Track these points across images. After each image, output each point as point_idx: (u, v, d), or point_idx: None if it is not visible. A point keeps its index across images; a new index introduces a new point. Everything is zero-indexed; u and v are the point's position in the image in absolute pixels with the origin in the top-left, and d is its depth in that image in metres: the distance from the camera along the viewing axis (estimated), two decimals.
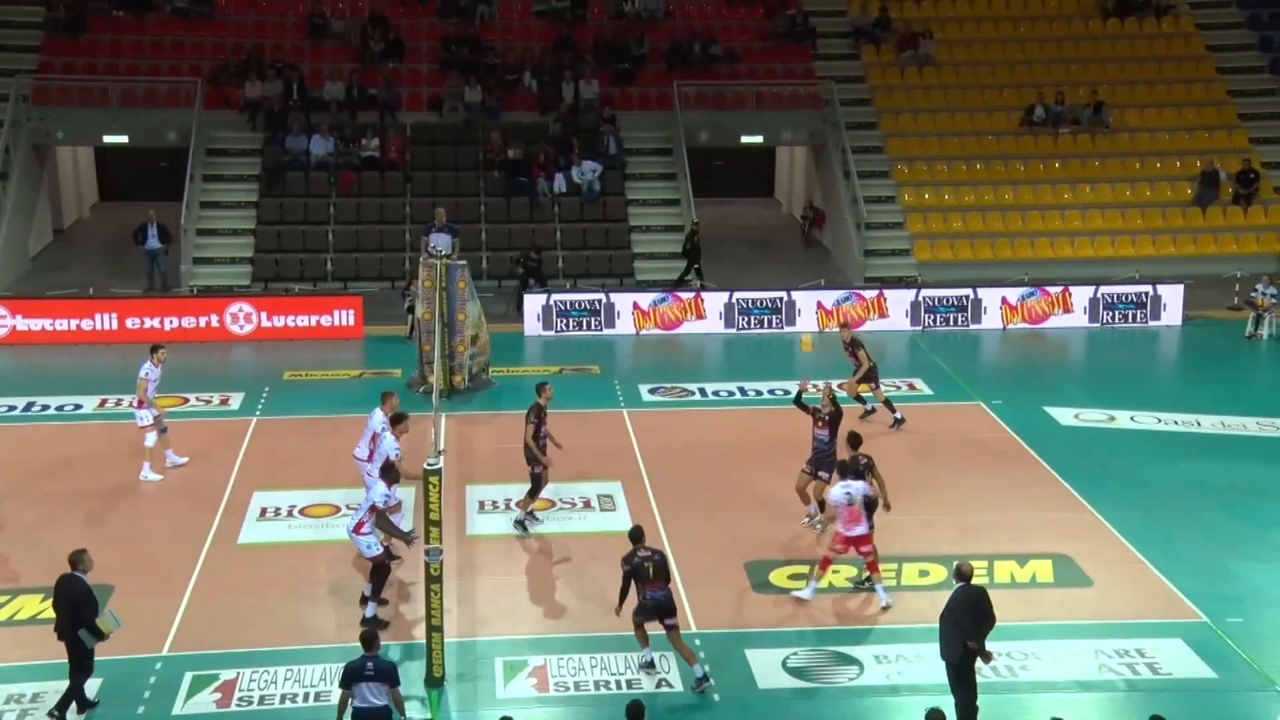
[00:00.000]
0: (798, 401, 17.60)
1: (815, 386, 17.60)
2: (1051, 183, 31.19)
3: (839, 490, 15.12)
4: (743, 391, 22.58)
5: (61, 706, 12.71)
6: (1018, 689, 13.55)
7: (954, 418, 21.34)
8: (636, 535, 13.98)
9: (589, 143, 30.77)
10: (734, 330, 26.25)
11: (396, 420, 16.18)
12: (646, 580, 13.56)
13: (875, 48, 33.74)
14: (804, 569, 16.01)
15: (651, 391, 22.53)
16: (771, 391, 22.42)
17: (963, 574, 12.81)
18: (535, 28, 33.54)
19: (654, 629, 13.67)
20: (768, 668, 13.93)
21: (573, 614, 14.99)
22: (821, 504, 16.51)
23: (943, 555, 16.36)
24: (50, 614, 14.27)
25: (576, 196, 30.09)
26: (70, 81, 30.16)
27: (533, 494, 17.05)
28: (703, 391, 22.52)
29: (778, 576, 15.87)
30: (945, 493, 18.23)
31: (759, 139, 32.86)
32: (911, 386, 23.08)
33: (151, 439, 18.35)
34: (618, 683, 13.62)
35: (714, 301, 26.45)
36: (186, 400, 21.41)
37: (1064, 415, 21.43)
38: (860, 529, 15.02)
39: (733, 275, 29.32)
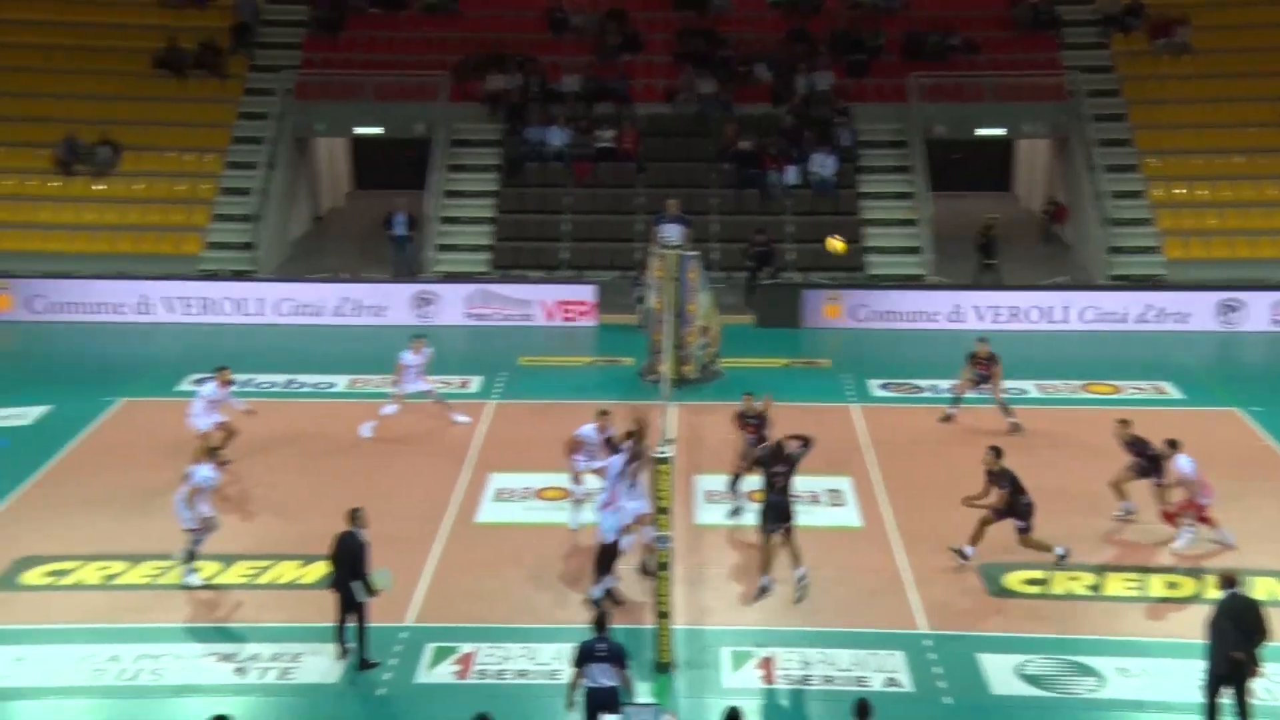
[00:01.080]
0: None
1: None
2: None
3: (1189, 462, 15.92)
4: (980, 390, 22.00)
5: (361, 651, 13.53)
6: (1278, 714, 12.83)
7: (1206, 424, 20.30)
8: (777, 449, 15.12)
9: (822, 135, 30.52)
10: (962, 326, 25.64)
11: (628, 436, 16.33)
12: (775, 491, 14.75)
13: (1125, 35, 32.31)
14: (1040, 573, 15.56)
15: (882, 387, 22.23)
16: (1005, 391, 21.79)
17: (1228, 581, 12.23)
18: (770, 19, 33.44)
19: None
20: (1002, 673, 13.60)
21: (799, 607, 14.93)
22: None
23: (1192, 567, 15.65)
24: (308, 579, 15.23)
25: (807, 189, 29.90)
26: (329, 77, 31.75)
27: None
28: (935, 389, 22.08)
29: (1013, 580, 15.46)
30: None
31: (998, 132, 31.92)
32: (1159, 390, 22.07)
33: (390, 409, 19.73)
34: (844, 678, 13.53)
35: (945, 299, 25.93)
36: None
37: None
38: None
39: (966, 272, 28.59)
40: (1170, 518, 16.27)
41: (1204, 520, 16.20)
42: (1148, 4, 32.58)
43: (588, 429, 16.73)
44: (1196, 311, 25.59)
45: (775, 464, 14.98)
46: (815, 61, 31.73)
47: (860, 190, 30.22)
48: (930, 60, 31.52)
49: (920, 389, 22.16)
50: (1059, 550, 15.69)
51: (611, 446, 15.49)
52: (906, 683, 13.49)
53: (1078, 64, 31.37)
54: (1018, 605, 15.04)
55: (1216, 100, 30.74)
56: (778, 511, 14.84)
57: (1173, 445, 16.27)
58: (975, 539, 15.68)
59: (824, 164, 29.83)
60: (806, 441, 15.38)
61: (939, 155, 32.02)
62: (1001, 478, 15.68)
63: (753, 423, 17.42)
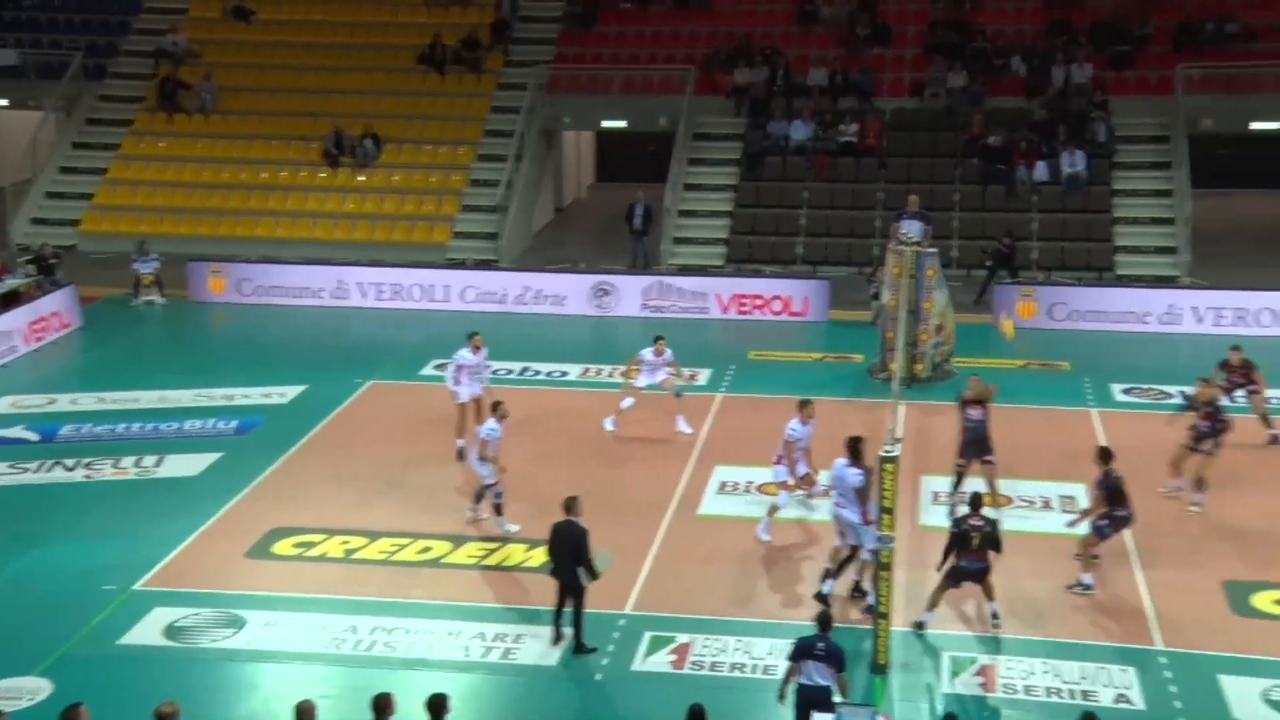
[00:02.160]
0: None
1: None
2: None
3: None
4: (1230, 399, 20.73)
5: (577, 636, 13.93)
6: None
7: None
8: (975, 502, 14.20)
9: (1076, 129, 29.32)
10: (1220, 330, 24.21)
11: (802, 406, 16.41)
12: (967, 549, 13.87)
13: None
14: None
15: (1125, 392, 21.22)
16: (1268, 400, 20.47)
17: None
18: (1029, 10, 32.37)
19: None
20: (1245, 698, 12.85)
21: (1024, 615, 14.46)
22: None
23: None
24: (533, 562, 15.68)
25: (1056, 185, 28.80)
26: (580, 70, 32.53)
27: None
28: (1183, 395, 20.89)
29: (1262, 600, 14.55)
30: None
31: (1275, 125, 29.96)
32: None
33: (627, 402, 19.90)
34: (1070, 692, 13.03)
35: (1200, 300, 24.60)
36: (695, 376, 22.25)
37: None
38: None
39: (1228, 273, 26.98)
40: None
41: None
42: None
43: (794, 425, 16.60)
44: None
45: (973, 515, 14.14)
46: (1074, 53, 30.52)
47: (1114, 187, 28.90)
48: (1203, 49, 29.83)
49: (1168, 394, 21.04)
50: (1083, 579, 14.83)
51: (856, 458, 15.07)
52: (1138, 700, 12.88)
53: None
54: (1266, 626, 14.12)
55: None
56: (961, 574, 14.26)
57: None
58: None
59: (1074, 159, 28.66)
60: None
61: (1204, 151, 30.32)
62: (1102, 482, 14.94)
63: (976, 403, 16.89)
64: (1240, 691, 12.95)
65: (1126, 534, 15.73)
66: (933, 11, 32.58)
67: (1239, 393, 19.25)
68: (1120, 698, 12.92)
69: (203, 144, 32.45)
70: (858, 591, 14.88)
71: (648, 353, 19.93)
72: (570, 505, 14.06)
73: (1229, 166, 33.23)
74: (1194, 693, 12.93)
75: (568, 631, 14.03)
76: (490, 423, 16.53)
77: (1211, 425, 17.02)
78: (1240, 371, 19.19)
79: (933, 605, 14.18)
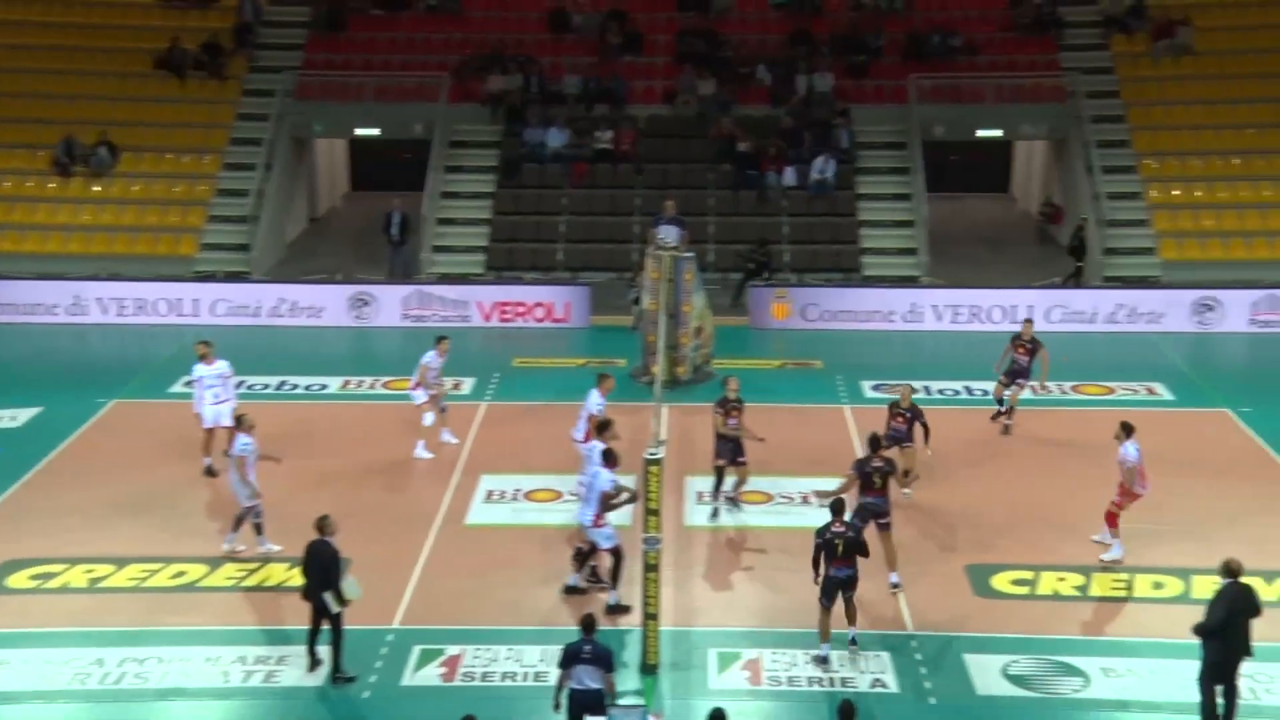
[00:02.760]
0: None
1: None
2: None
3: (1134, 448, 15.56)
4: (969, 391, 22.02)
5: (336, 661, 13.49)
6: (1262, 713, 12.82)
7: (1198, 425, 20.29)
8: (836, 508, 13.96)
9: (821, 136, 30.52)
10: (957, 327, 25.61)
11: (602, 429, 16.33)
12: (835, 557, 13.66)
13: (1127, 37, 32.28)
14: (1028, 574, 15.56)
15: (875, 388, 22.24)
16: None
17: (1230, 571, 12.27)
18: (772, 20, 33.45)
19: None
20: (987, 674, 13.60)
21: (788, 609, 14.93)
22: None
23: (1179, 568, 15.64)
24: (294, 581, 15.22)
25: (805, 190, 29.90)
26: (330, 77, 31.79)
27: (725, 486, 17.49)
28: (927, 390, 22.06)
29: (1000, 581, 15.46)
30: (1186, 504, 17.34)
31: (997, 133, 31.91)
32: (1151, 391, 22.05)
33: (429, 418, 19.29)
34: (831, 680, 13.53)
35: (939, 298, 25.94)
36: (459, 385, 22.13)
37: None
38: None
39: (962, 272, 28.61)
40: (1113, 519, 15.95)
41: (1111, 519, 15.91)
42: (1150, 5, 32.54)
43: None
44: (1172, 312, 25.51)
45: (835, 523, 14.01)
46: (816, 63, 31.74)
47: (858, 191, 30.21)
48: (931, 61, 31.52)
49: (914, 390, 22.04)
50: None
51: (610, 460, 15.33)
52: (892, 684, 13.49)
53: (1077, 65, 31.36)
54: (1004, 606, 15.03)
55: (1216, 102, 30.71)
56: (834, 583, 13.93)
57: (1128, 430, 15.84)
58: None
59: (824, 166, 29.83)
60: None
61: (937, 156, 32.04)
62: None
63: (736, 407, 17.37)
64: (983, 668, 13.70)
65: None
66: (681, 21, 33.30)
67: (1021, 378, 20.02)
68: (876, 682, 13.51)
69: None
70: (593, 578, 15.21)
71: (432, 356, 19.47)
72: (322, 525, 13.59)
73: (959, 171, 35.20)
74: (942, 672, 13.63)
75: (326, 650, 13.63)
76: (241, 438, 15.84)
77: (908, 429, 17.59)
78: (1028, 346, 20.10)
79: (825, 635, 13.81)
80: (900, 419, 17.59)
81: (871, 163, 30.81)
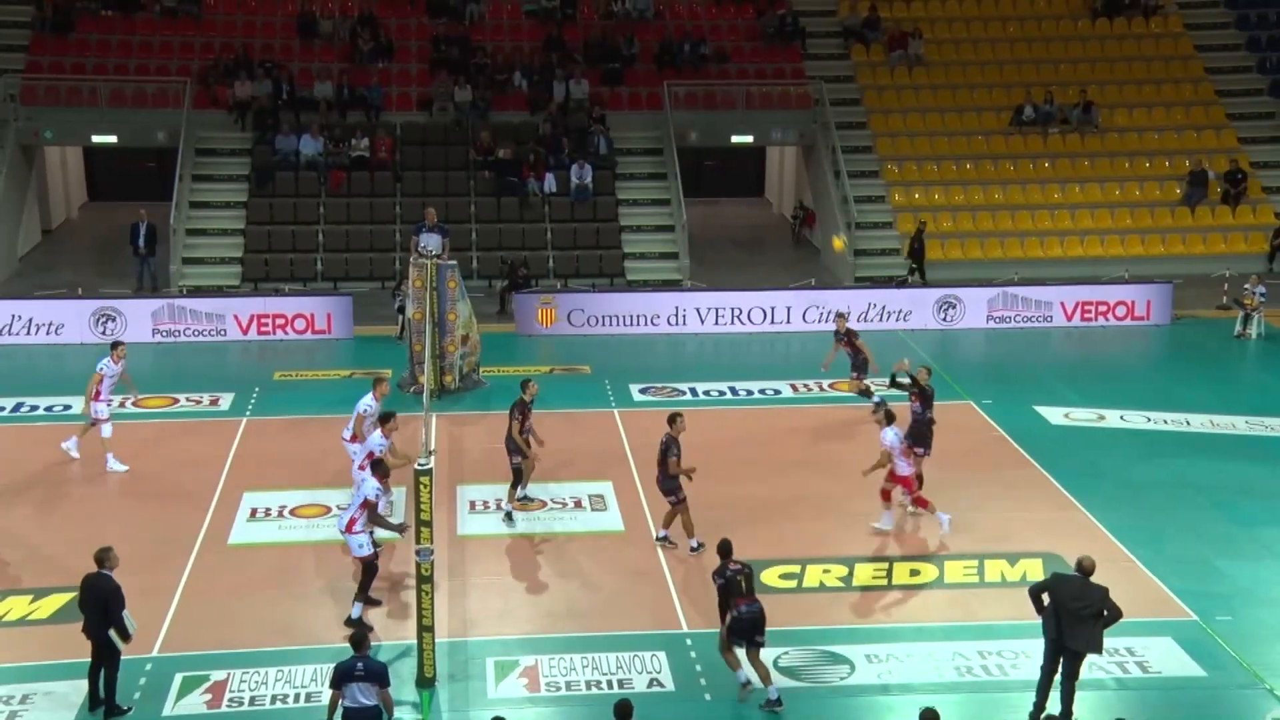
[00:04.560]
0: (893, 382, 18.83)
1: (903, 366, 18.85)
2: (1041, 182, 31.29)
3: (893, 434, 16.63)
4: (734, 391, 22.59)
5: (110, 699, 12.75)
6: (1009, 688, 13.57)
7: (944, 417, 21.24)
8: (725, 549, 13.43)
9: (579, 143, 30.76)
10: (720, 329, 26.26)
11: (384, 420, 16.21)
12: (740, 594, 13.17)
13: (865, 47, 33.79)
14: (794, 568, 16.05)
15: (642, 391, 22.54)
16: (762, 391, 22.47)
17: (1084, 568, 12.73)
18: (525, 27, 33.54)
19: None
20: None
21: (564, 614, 14.98)
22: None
23: (933, 554, 16.44)
24: (38, 615, 14.37)
25: (566, 196, 30.09)
26: (58, 81, 30.07)
27: (515, 485, 17.27)
28: (694, 391, 22.52)
29: (768, 576, 15.86)
30: (936, 492, 18.21)
31: (749, 139, 32.90)
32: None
33: (108, 430, 18.53)
34: (609, 682, 13.61)
35: (701, 301, 26.58)
36: (176, 400, 21.38)
37: (1054, 414, 21.49)
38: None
39: (722, 275, 29.36)
40: (886, 495, 16.95)
41: (919, 503, 16.93)
42: (884, 18, 34.16)
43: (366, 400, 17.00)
44: (919, 310, 26.87)
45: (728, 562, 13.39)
46: (571, 70, 31.97)
47: (618, 197, 30.59)
48: (683, 69, 32.21)
49: (681, 392, 22.55)
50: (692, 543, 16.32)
51: (378, 469, 15.07)
52: (669, 682, 13.66)
53: (821, 74, 32.63)
54: (775, 599, 15.38)
55: (947, 110, 32.51)
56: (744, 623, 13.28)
57: (890, 418, 16.83)
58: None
59: (582, 172, 30.07)
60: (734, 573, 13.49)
61: (693, 162, 32.79)
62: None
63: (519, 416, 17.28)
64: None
65: (651, 524, 16.70)
66: (434, 27, 33.01)
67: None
68: (653, 681, 13.65)
69: None
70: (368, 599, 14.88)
71: (107, 362, 18.65)
72: (102, 558, 12.86)
73: (716, 176, 36.11)
74: (717, 669, 13.80)
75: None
76: None
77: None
78: (844, 340, 21.19)
79: (736, 666, 13.34)
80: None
81: (630, 168, 31.28)
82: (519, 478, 17.32)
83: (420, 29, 33.05)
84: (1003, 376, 24.08)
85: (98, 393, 18.49)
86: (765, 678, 13.23)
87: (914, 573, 16.07)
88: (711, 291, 27.32)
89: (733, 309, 26.41)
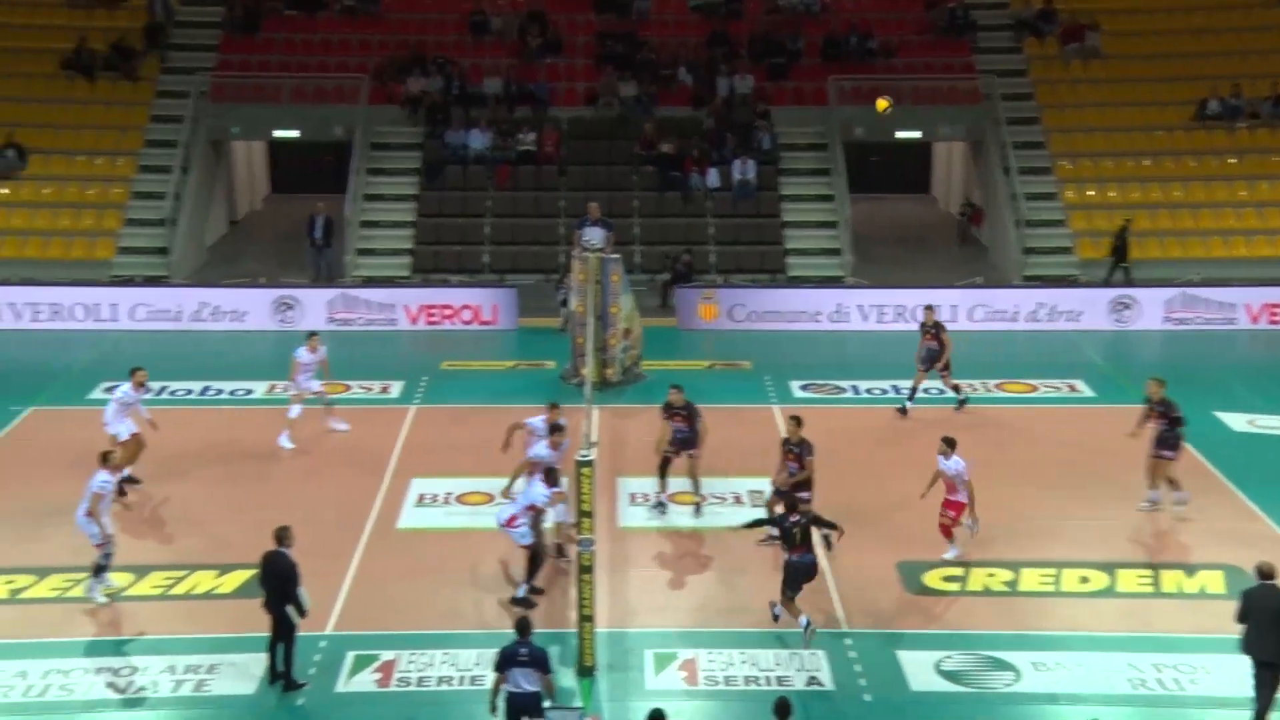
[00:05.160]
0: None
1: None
2: (1227, 179, 30.01)
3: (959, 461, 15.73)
4: (896, 389, 22.27)
5: (288, 673, 13.28)
6: (1185, 703, 13.13)
7: (1117, 421, 20.65)
8: (790, 504, 14.41)
9: (743, 138, 30.70)
10: (882, 327, 25.90)
11: (554, 430, 16.40)
12: (794, 545, 14.07)
13: (1039, 40, 32.91)
14: (958, 570, 15.79)
15: (803, 388, 22.40)
16: (925, 390, 22.12)
17: (1265, 574, 12.31)
18: (691, 22, 33.59)
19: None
20: (920, 670, 13.75)
21: (723, 609, 15.01)
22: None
23: (1104, 562, 15.97)
24: (223, 590, 15.04)
25: (729, 192, 30.07)
26: (245, 79, 31.30)
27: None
28: (855, 389, 22.29)
29: (932, 578, 15.65)
30: (1109, 499, 17.70)
31: (915, 134, 32.37)
32: (1072, 388, 22.49)
33: (296, 411, 19.45)
34: (767, 679, 13.60)
35: (864, 298, 26.25)
36: (349, 387, 22.03)
37: (1237, 420, 20.65)
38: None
39: (885, 272, 28.97)
40: (947, 531, 15.98)
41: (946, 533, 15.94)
42: (1060, 9, 33.21)
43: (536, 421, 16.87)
44: (1091, 310, 26.04)
45: (790, 514, 14.34)
46: (736, 65, 31.92)
47: (781, 193, 30.44)
48: (849, 64, 31.85)
49: (842, 389, 22.36)
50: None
51: (551, 478, 15.39)
52: (827, 681, 13.59)
53: (992, 68, 31.90)
54: (937, 602, 15.22)
55: (1126, 105, 31.42)
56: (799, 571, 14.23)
57: (951, 445, 15.87)
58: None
59: (745, 167, 30.01)
60: (829, 534, 14.66)
61: (858, 158, 32.40)
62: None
63: (680, 413, 17.46)
64: (916, 664, 13.84)
65: None
66: (600, 23, 33.34)
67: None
68: (812, 680, 13.59)
69: None
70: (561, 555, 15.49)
71: (303, 351, 19.51)
72: (281, 536, 13.41)
73: (881, 172, 35.64)
74: (876, 669, 13.75)
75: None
76: (101, 474, 14.94)
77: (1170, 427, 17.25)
78: (930, 332, 20.77)
79: (796, 614, 14.00)
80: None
81: (793, 164, 31.06)
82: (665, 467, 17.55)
83: (587, 25, 33.41)
84: (1181, 380, 23.04)
85: (295, 378, 19.50)
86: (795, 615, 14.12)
87: (1084, 580, 15.62)
88: (874, 289, 27.00)
89: (895, 306, 26.05)
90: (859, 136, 31.62)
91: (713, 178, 30.15)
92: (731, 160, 30.16)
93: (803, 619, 13.98)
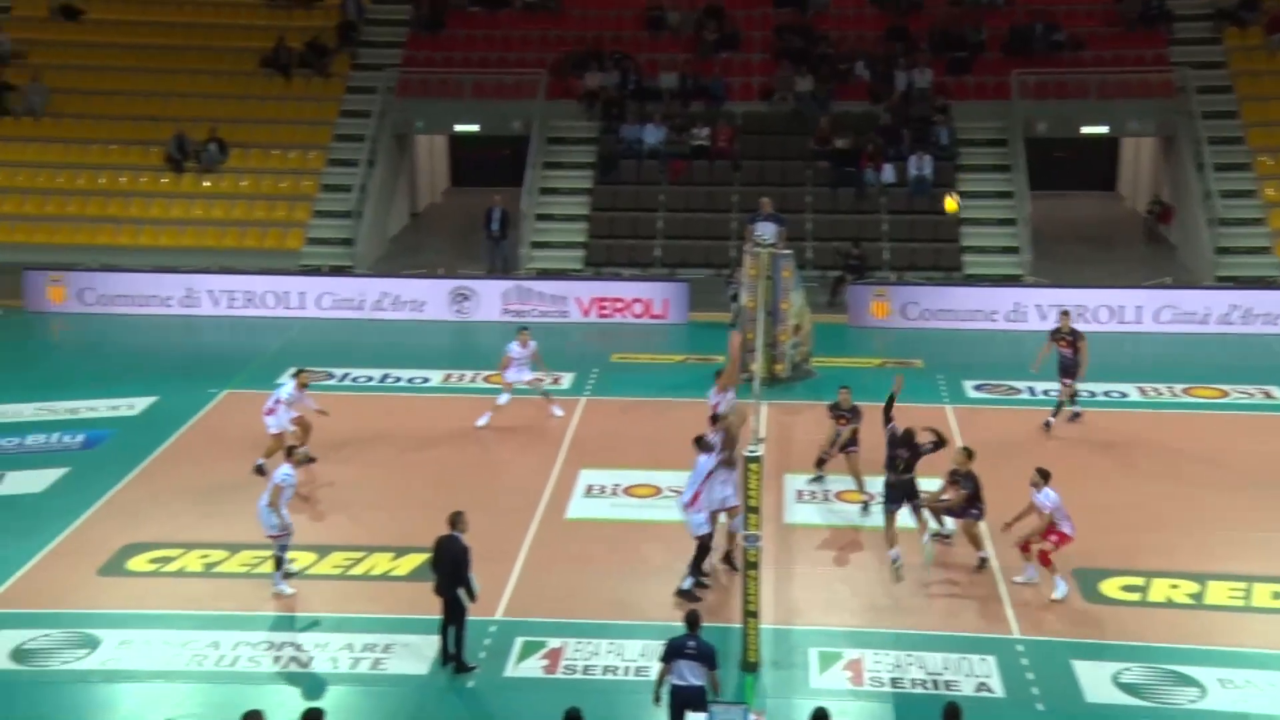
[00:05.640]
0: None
1: None
2: None
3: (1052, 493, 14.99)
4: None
5: (459, 655, 13.65)
6: None
7: None
8: (906, 439, 15.53)
9: (920, 133, 30.16)
10: (1023, 326, 25.18)
11: (715, 420, 16.31)
12: (895, 472, 15.39)
13: (1240, 30, 31.43)
14: (1139, 580, 15.24)
15: (977, 388, 21.90)
16: (1106, 393, 21.38)
17: None
18: (869, 16, 33.14)
19: None
20: (1097, 681, 13.33)
21: (890, 609, 14.80)
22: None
23: None
24: (400, 571, 15.49)
25: (904, 188, 29.57)
26: (430, 74, 32.16)
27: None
28: (1031, 390, 21.69)
29: (1109, 586, 15.15)
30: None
31: (1102, 129, 31.28)
32: (1267, 395, 21.45)
33: (505, 399, 20.06)
34: (934, 683, 13.37)
35: (1043, 297, 25.52)
36: (559, 379, 22.04)
37: None
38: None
39: (1067, 271, 28.09)
40: (1026, 548, 15.20)
41: (1045, 559, 15.10)
42: None
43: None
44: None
45: (900, 447, 15.52)
46: (915, 59, 31.37)
47: (959, 189, 29.76)
48: (1034, 56, 30.97)
49: (1017, 390, 21.79)
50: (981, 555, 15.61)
51: (702, 445, 15.44)
52: (998, 688, 13.28)
53: (1187, 60, 30.64)
54: (1115, 612, 14.72)
55: None
56: (900, 490, 15.52)
57: (1046, 477, 15.06)
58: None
59: (921, 163, 29.47)
60: (940, 441, 15.82)
61: (1040, 154, 31.48)
62: (966, 479, 15.60)
63: (845, 415, 17.35)
64: (1092, 675, 13.43)
65: (982, 526, 16.22)
66: (777, 17, 33.13)
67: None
68: (981, 686, 13.30)
69: (34, 148, 31.15)
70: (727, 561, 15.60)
71: (514, 346, 20.11)
72: (455, 520, 13.74)
73: (1064, 169, 34.55)
74: (1050, 678, 13.37)
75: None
76: (285, 468, 15.28)
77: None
78: (1068, 340, 19.89)
79: (892, 542, 15.21)
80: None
81: (972, 160, 30.38)
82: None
83: (764, 19, 33.26)
84: None
85: (505, 371, 20.14)
86: (923, 528, 15.51)
87: (1277, 595, 14.89)
88: (1054, 288, 26.21)
89: (1076, 307, 25.16)
90: (1042, 132, 30.71)
91: (888, 174, 29.71)
92: (908, 156, 29.65)
93: (892, 552, 15.02)
